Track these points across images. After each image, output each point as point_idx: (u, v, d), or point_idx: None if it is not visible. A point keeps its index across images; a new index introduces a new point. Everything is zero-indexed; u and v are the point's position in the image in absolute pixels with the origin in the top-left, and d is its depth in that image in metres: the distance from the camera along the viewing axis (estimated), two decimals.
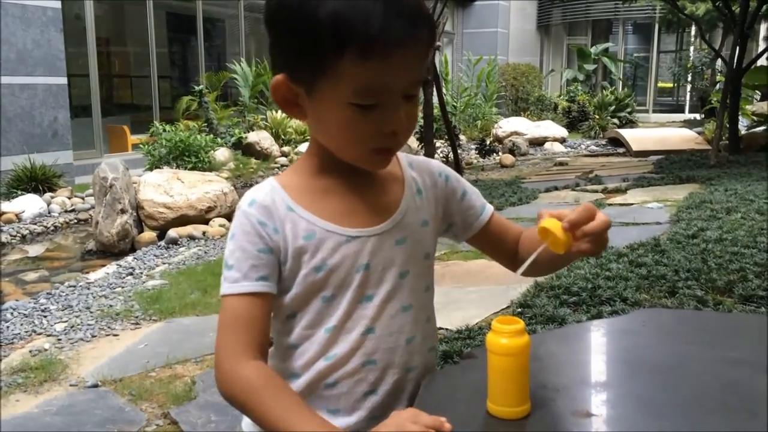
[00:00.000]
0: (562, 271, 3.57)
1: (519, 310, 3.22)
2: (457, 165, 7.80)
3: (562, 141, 12.40)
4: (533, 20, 20.57)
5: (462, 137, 11.39)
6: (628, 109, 15.33)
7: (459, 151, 8.41)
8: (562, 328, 2.05)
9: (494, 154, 10.33)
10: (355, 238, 0.90)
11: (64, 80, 8.25)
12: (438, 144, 9.12)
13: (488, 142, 10.58)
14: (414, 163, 1.01)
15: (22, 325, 3.53)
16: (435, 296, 1.03)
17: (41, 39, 7.94)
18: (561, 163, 9.94)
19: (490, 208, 1.06)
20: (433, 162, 1.05)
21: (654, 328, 1.17)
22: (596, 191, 7.07)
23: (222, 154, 9.13)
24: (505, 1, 19.00)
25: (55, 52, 8.13)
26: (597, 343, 1.13)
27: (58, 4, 8.12)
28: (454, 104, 13.84)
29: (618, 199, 6.59)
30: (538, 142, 11.97)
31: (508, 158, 10.04)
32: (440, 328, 3.16)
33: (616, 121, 14.45)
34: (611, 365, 1.04)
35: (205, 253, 5.12)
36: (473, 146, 11.05)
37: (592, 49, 17.59)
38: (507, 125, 12.34)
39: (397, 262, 0.93)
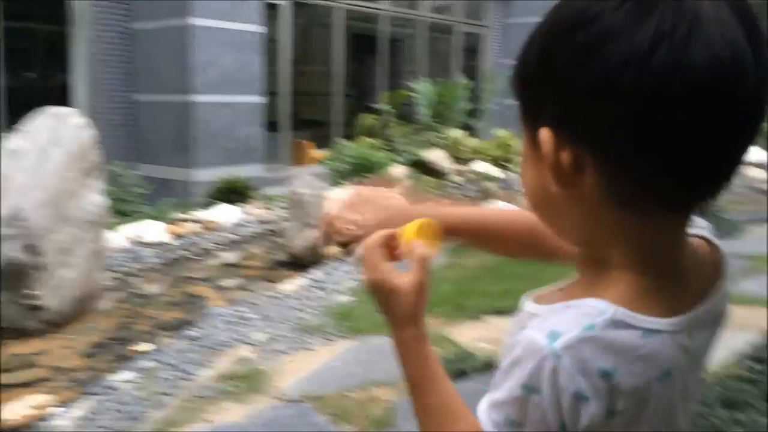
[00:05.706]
0: None
1: None
2: None
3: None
4: None
5: None
6: None
7: None
8: None
9: None
10: None
11: (260, 99, 8.85)
12: None
13: None
14: None
15: (225, 332, 3.73)
16: None
17: (244, 61, 8.57)
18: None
19: None
20: None
21: None
22: None
23: (397, 171, 9.25)
24: None
25: (254, 72, 8.74)
26: None
27: (260, 29, 8.72)
28: None
29: None
30: None
31: None
32: None
33: None
34: None
35: None
36: None
37: None
38: None
39: None
